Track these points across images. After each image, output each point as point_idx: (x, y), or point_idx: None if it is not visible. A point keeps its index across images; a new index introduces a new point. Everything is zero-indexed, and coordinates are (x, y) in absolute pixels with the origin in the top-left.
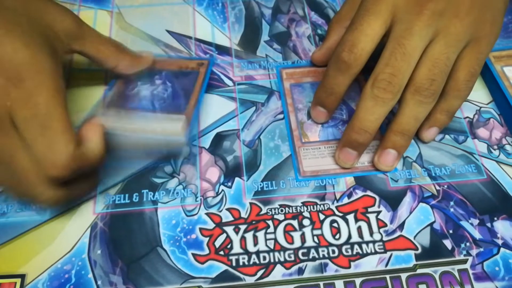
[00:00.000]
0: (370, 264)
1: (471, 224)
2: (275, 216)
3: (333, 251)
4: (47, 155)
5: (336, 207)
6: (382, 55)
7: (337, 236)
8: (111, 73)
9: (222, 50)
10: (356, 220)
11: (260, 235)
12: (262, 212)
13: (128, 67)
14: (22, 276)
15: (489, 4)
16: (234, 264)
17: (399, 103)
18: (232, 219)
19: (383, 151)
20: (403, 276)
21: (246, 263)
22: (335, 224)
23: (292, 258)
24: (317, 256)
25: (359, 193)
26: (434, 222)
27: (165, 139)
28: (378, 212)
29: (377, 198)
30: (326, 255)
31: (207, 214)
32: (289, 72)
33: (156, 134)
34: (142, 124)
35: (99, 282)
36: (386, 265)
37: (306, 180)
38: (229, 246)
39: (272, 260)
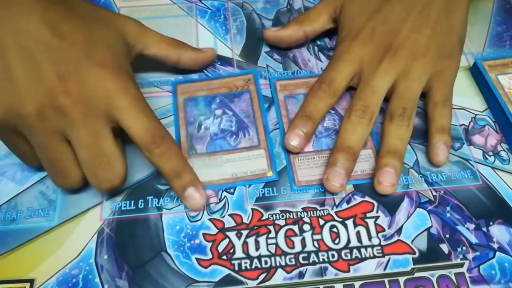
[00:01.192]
0: (368, 268)
1: (467, 228)
2: (276, 222)
3: (333, 256)
4: (152, 130)
5: (336, 212)
6: (355, 94)
7: (336, 241)
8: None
9: (224, 60)
10: (355, 225)
11: (262, 240)
12: (263, 218)
13: (191, 61)
14: (31, 281)
15: (445, 42)
16: (236, 268)
17: (382, 135)
18: (235, 224)
19: (380, 171)
20: (401, 279)
21: (248, 267)
22: (334, 229)
23: (293, 262)
24: (317, 260)
25: (358, 199)
26: (431, 226)
27: (256, 179)
28: (376, 217)
29: (375, 203)
30: (326, 259)
31: (210, 219)
32: (283, 84)
33: (247, 178)
34: (231, 172)
35: (105, 286)
36: (385, 269)
37: (301, 190)
38: (231, 251)
39: (273, 264)
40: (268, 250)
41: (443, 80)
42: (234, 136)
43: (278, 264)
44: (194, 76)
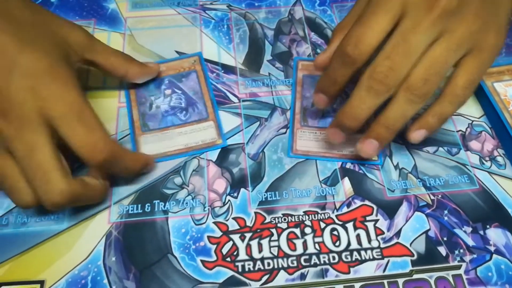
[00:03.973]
0: (368, 269)
1: (465, 231)
2: (279, 225)
3: (334, 258)
4: (87, 141)
5: (336, 216)
6: (385, 46)
7: (337, 244)
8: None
9: (228, 69)
10: (355, 228)
11: (265, 242)
12: (266, 221)
13: (136, 75)
14: (41, 282)
15: (494, 15)
16: (240, 270)
17: (391, 97)
18: (238, 227)
19: (366, 139)
20: (400, 281)
21: (252, 269)
22: (335, 232)
23: (295, 264)
24: (318, 262)
25: (358, 202)
26: (429, 230)
27: (207, 147)
28: (376, 221)
29: (375, 207)
30: (327, 261)
31: (214, 223)
32: (305, 64)
33: (199, 147)
34: (183, 143)
35: (113, 287)
36: (384, 270)
37: (296, 157)
38: (235, 253)
39: (276, 266)
40: (270, 252)
41: (479, 62)
42: (184, 112)
43: (280, 266)
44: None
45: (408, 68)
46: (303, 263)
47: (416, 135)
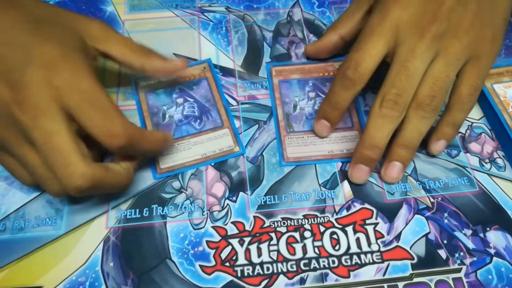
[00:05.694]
0: (368, 273)
1: (465, 234)
2: (278, 229)
3: (333, 262)
4: (105, 128)
5: (336, 219)
6: (388, 76)
7: (336, 247)
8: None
9: (226, 71)
10: (355, 231)
11: (264, 247)
12: (265, 225)
13: (156, 70)
14: None
15: (489, 22)
16: (239, 274)
17: (403, 121)
18: (237, 231)
19: (389, 163)
20: (400, 284)
21: (251, 273)
22: (334, 236)
23: (294, 269)
24: (318, 267)
25: (357, 206)
26: (429, 233)
27: (224, 155)
28: (376, 224)
29: (375, 210)
30: (327, 266)
31: (213, 227)
32: (278, 70)
33: (217, 156)
34: (200, 152)
35: None
36: (384, 274)
37: (289, 165)
38: (234, 258)
39: (275, 271)
40: (270, 256)
41: (478, 68)
42: (198, 120)
43: (280, 271)
44: None
45: (413, 90)
46: (303, 268)
47: (437, 146)
